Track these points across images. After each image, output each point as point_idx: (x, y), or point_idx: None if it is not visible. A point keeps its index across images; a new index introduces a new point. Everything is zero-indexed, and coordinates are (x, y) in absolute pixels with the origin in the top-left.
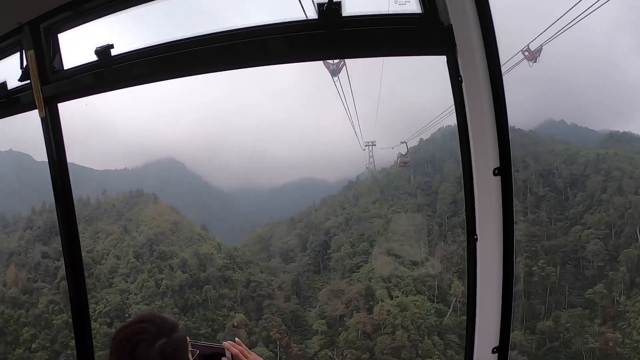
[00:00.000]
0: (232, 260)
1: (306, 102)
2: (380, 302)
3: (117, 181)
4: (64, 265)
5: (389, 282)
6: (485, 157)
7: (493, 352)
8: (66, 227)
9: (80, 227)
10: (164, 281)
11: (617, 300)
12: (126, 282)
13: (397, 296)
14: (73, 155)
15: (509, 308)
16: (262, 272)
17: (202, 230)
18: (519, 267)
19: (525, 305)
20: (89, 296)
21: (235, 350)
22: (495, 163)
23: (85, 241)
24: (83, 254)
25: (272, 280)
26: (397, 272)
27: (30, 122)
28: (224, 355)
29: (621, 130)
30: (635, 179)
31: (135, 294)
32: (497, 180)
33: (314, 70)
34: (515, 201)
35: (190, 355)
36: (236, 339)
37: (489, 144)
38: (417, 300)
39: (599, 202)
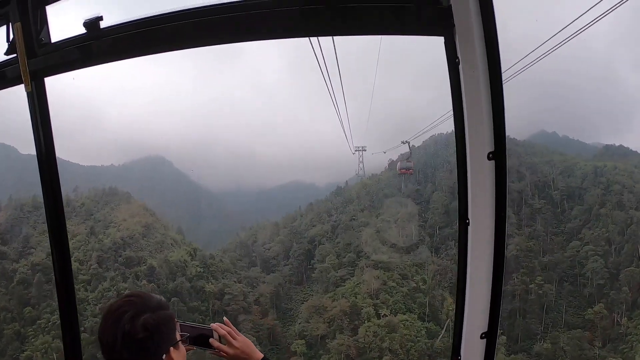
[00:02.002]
0: (206, 269)
1: (298, 103)
2: (366, 321)
3: (102, 177)
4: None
5: (377, 299)
6: (480, 141)
7: (482, 337)
8: (52, 208)
9: (44, 227)
10: (127, 292)
11: (617, 321)
12: (86, 290)
13: (385, 315)
14: (59, 149)
15: (498, 293)
16: (239, 282)
17: (177, 234)
18: (514, 284)
19: (521, 324)
20: (44, 304)
21: (223, 332)
22: (490, 147)
23: (48, 242)
24: (43, 256)
25: (249, 293)
26: (385, 287)
27: (17, 113)
28: (212, 336)
29: (617, 144)
30: (636, 193)
31: (94, 304)
32: (491, 165)
33: (306, 72)
34: (510, 212)
35: (178, 336)
36: (224, 318)
37: (484, 127)
38: (407, 320)
39: (597, 217)
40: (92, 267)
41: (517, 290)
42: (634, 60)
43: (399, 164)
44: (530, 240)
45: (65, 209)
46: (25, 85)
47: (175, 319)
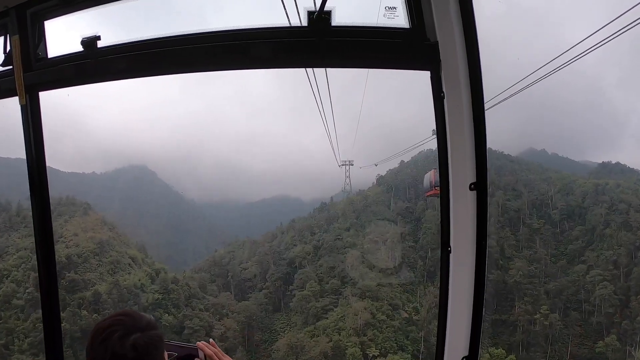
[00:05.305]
0: (166, 295)
1: (285, 115)
2: None
3: (80, 186)
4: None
5: (364, 336)
6: (462, 172)
7: None
8: (41, 220)
9: None
10: (64, 323)
11: (631, 353)
12: (18, 319)
13: (374, 356)
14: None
15: (479, 318)
16: (206, 311)
17: (139, 252)
18: (518, 315)
19: (524, 358)
20: None
21: (210, 352)
22: (472, 178)
23: None
24: None
25: (214, 325)
26: (373, 320)
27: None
28: (197, 355)
29: (613, 161)
30: None
31: (23, 339)
32: (473, 195)
33: (295, 86)
34: (508, 233)
35: (166, 356)
36: (210, 340)
37: (467, 159)
38: None
39: (601, 238)
40: (27, 290)
41: (521, 320)
42: (619, 81)
43: (429, 175)
44: (531, 264)
45: (15, 219)
46: (19, 98)
47: (164, 339)
